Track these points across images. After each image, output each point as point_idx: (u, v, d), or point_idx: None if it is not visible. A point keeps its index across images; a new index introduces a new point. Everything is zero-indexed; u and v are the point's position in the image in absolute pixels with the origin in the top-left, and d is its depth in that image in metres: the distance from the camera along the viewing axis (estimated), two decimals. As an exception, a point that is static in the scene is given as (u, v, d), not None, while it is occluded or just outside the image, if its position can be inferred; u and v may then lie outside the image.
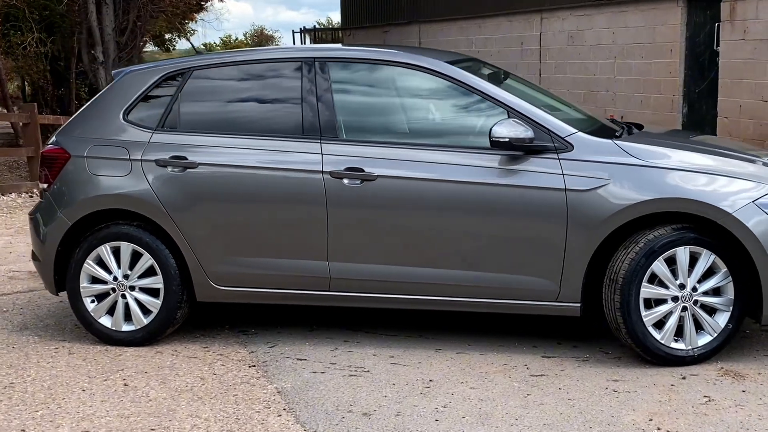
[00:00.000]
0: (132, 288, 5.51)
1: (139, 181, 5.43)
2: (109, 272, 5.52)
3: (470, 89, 5.27)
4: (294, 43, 25.10)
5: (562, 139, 5.05)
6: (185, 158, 5.41)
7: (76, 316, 5.66)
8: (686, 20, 12.30)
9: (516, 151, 5.03)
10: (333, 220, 5.23)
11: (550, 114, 5.21)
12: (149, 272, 5.49)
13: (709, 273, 4.92)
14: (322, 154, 5.26)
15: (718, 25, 11.60)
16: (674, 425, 4.21)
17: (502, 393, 4.67)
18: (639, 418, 4.30)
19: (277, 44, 45.13)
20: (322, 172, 5.23)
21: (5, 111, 18.76)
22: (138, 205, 5.44)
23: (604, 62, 13.93)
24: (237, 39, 45.56)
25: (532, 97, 5.58)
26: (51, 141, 5.78)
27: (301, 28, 25.77)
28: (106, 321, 5.57)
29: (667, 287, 4.91)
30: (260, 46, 42.93)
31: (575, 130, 5.11)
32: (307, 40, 25.56)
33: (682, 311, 4.93)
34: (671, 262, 4.90)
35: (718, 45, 11.67)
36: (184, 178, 5.40)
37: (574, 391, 4.66)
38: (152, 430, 4.35)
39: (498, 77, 5.79)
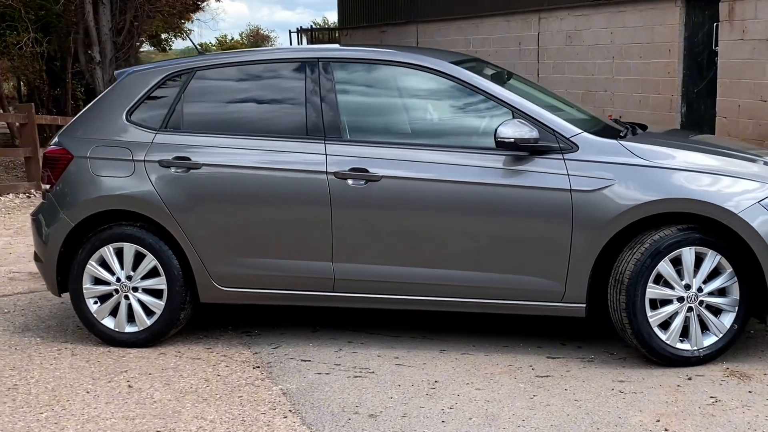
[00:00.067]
0: (135, 289, 5.50)
1: (143, 181, 5.42)
2: (112, 273, 5.50)
3: (475, 89, 5.26)
4: (291, 43, 25.07)
5: (567, 139, 5.04)
6: (188, 159, 5.39)
7: (78, 317, 5.64)
8: (684, 20, 12.32)
9: (521, 151, 5.02)
10: (337, 221, 5.21)
11: (554, 114, 5.20)
12: (152, 273, 5.47)
13: (714, 273, 4.92)
14: (326, 154, 5.25)
15: (717, 25, 11.61)
16: (682, 426, 4.21)
17: (508, 394, 4.66)
18: (646, 419, 4.29)
19: (273, 44, 45.09)
20: (326, 172, 5.22)
21: (1, 111, 18.70)
22: (141, 205, 5.42)
23: (603, 62, 13.94)
24: (233, 39, 45.52)
25: (535, 97, 5.58)
26: (53, 141, 5.76)
27: (297, 28, 25.75)
28: (109, 322, 5.55)
29: (672, 288, 4.91)
30: (256, 45, 42.89)
31: (580, 131, 5.10)
32: (304, 40, 25.52)
33: (687, 312, 4.92)
34: (677, 263, 4.89)
35: (716, 45, 11.68)
36: (187, 178, 5.38)
37: (581, 392, 4.65)
38: (158, 432, 4.35)
39: (502, 77, 5.79)
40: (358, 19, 22.56)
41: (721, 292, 4.95)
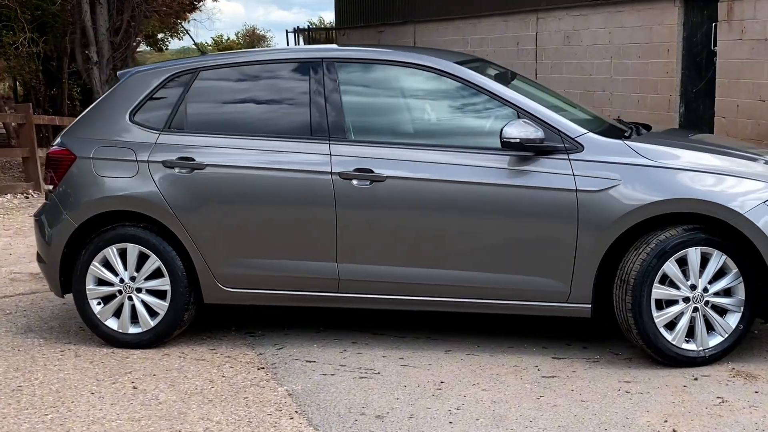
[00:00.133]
0: (139, 290, 5.48)
1: (146, 182, 5.40)
2: (116, 274, 5.49)
3: (480, 90, 5.25)
4: (288, 44, 25.03)
5: (573, 139, 5.04)
6: (192, 159, 5.38)
7: (82, 318, 5.62)
8: (683, 20, 12.32)
9: (526, 151, 5.02)
10: (342, 222, 5.20)
11: (560, 114, 5.20)
12: (156, 274, 5.45)
13: (720, 274, 4.92)
14: (330, 155, 5.24)
15: (716, 25, 11.62)
16: (690, 427, 4.21)
17: (514, 395, 4.66)
18: (654, 420, 4.29)
19: (269, 44, 45.03)
20: (331, 173, 5.21)
21: (-2, 111, 18.64)
22: (145, 206, 5.40)
23: (601, 62, 13.94)
24: (229, 39, 45.45)
25: (539, 97, 5.57)
26: (56, 142, 5.74)
27: (295, 28, 25.71)
28: (112, 323, 5.53)
29: (678, 288, 4.90)
30: (252, 46, 42.84)
31: (585, 131, 5.10)
32: (301, 40, 25.49)
33: (693, 312, 4.92)
34: (682, 263, 4.89)
35: (715, 45, 11.69)
36: (191, 179, 5.36)
37: (587, 393, 4.65)
38: (164, 433, 4.34)
39: (506, 78, 5.78)
40: (355, 19, 22.54)
41: (727, 292, 4.95)
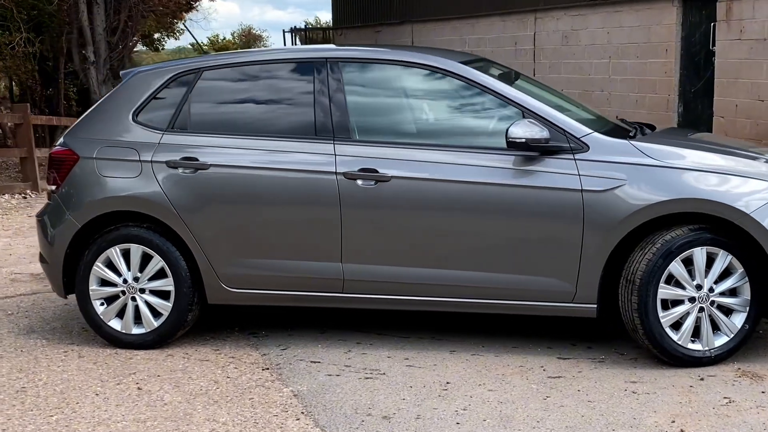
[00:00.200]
0: (142, 290, 5.46)
1: (150, 182, 5.38)
2: (119, 275, 5.47)
3: (485, 90, 5.24)
4: (285, 43, 24.99)
5: (578, 139, 5.03)
6: (196, 159, 5.36)
7: (85, 319, 5.60)
8: (682, 20, 12.31)
9: (532, 151, 5.01)
10: (347, 222, 5.19)
11: (565, 114, 5.19)
12: (159, 274, 5.43)
13: (725, 273, 4.92)
14: (335, 155, 5.22)
15: (714, 25, 11.62)
16: (697, 427, 4.20)
17: (521, 395, 4.65)
18: (661, 420, 4.28)
19: (266, 44, 44.98)
20: (336, 173, 5.19)
21: (-5, 111, 18.60)
22: (148, 206, 5.39)
23: (599, 62, 13.94)
24: (224, 39, 45.38)
25: (543, 97, 5.56)
26: (59, 142, 5.72)
27: (291, 28, 25.65)
28: (115, 324, 5.52)
29: (684, 288, 4.90)
30: (248, 45, 42.78)
31: (591, 131, 5.09)
32: (297, 40, 25.45)
33: (699, 312, 4.92)
34: (688, 263, 4.89)
35: (713, 45, 11.68)
36: (195, 179, 5.35)
37: (593, 393, 4.64)
38: (171, 434, 4.32)
39: (510, 77, 5.77)
40: (352, 19, 22.50)
41: (732, 292, 4.94)
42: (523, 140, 4.93)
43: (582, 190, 4.94)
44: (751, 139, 10.84)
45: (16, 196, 12.30)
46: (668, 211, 4.87)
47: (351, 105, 5.33)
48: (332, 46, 6.96)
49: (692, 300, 4.91)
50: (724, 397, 4.53)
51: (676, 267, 4.86)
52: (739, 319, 4.95)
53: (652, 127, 5.80)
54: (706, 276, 4.89)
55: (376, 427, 4.31)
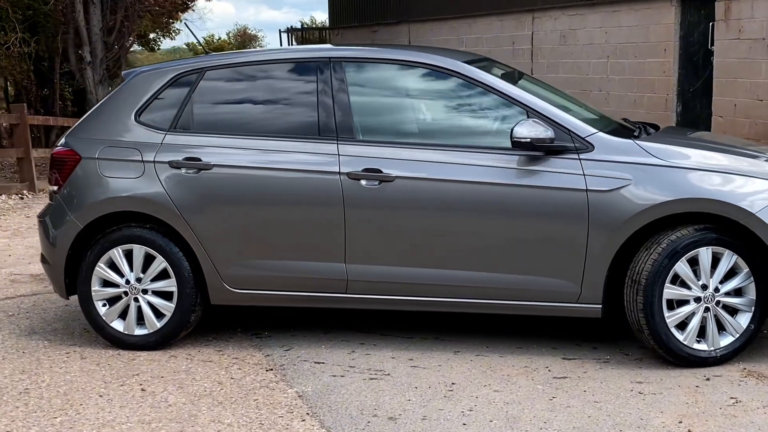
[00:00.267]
0: (145, 291, 5.44)
1: (152, 182, 5.36)
2: (122, 275, 5.44)
3: (489, 89, 5.22)
4: (281, 44, 24.94)
5: (583, 139, 5.02)
6: (199, 159, 5.34)
7: (87, 320, 5.57)
8: (680, 19, 12.32)
9: (536, 151, 4.99)
10: (350, 222, 5.17)
11: (569, 114, 5.18)
12: (162, 275, 5.41)
13: (731, 273, 4.91)
14: (338, 155, 5.20)
15: (713, 25, 11.62)
16: (705, 427, 4.19)
17: (526, 396, 4.63)
18: (668, 421, 4.27)
19: (261, 44, 44.92)
20: (339, 173, 5.17)
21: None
22: (151, 207, 5.36)
23: (597, 62, 13.94)
24: (220, 39, 45.31)
25: (547, 97, 5.54)
26: (61, 143, 5.69)
27: (288, 28, 25.60)
28: (118, 325, 5.49)
29: (689, 288, 4.89)
30: (243, 45, 42.71)
31: (595, 131, 5.08)
32: (294, 40, 25.40)
33: (704, 312, 4.91)
34: (693, 263, 4.88)
35: (712, 44, 11.69)
36: (198, 179, 5.32)
37: (600, 394, 4.63)
38: (176, 436, 4.30)
39: (513, 77, 5.75)
40: (348, 19, 22.47)
41: (738, 292, 4.93)
42: (528, 140, 4.91)
43: (587, 190, 4.93)
44: (749, 138, 10.84)
45: (13, 197, 12.25)
46: (673, 211, 4.86)
47: (354, 105, 5.31)
48: (336, 45, 6.94)
49: (698, 300, 4.90)
50: (731, 397, 4.52)
51: (682, 267, 4.85)
52: (744, 319, 4.94)
53: (656, 127, 5.79)
54: (711, 276, 4.88)
55: (382, 428, 4.29)
